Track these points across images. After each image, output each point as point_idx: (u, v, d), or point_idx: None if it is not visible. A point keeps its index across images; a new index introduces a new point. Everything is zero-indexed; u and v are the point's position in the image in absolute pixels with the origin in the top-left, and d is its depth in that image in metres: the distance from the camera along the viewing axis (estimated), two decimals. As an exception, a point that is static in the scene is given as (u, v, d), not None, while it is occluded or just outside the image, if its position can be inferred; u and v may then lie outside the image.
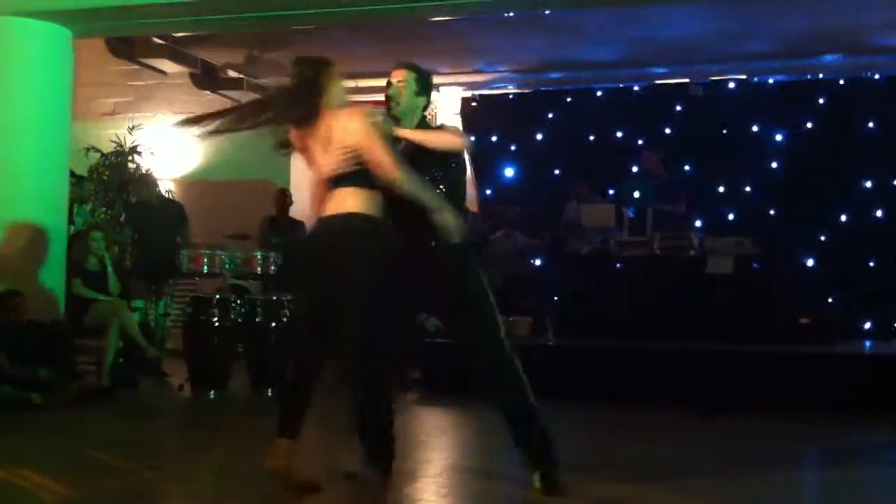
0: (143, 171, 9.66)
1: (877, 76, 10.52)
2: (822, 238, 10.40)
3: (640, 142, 10.96)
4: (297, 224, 9.71)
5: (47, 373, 6.81)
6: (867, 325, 9.90)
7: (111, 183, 10.21)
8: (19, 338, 6.85)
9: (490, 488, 4.50)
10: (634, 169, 10.41)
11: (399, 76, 4.43)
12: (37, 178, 7.57)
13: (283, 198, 9.65)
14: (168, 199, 9.02)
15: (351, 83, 8.86)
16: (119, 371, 7.67)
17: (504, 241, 10.54)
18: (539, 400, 4.26)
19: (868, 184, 10.48)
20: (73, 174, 8.61)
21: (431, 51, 9.85)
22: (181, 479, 4.72)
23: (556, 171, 11.32)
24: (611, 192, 10.38)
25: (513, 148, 11.52)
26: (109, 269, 8.02)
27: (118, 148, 10.66)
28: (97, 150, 10.54)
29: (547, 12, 8.44)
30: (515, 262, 10.26)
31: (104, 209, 9.90)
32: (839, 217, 10.47)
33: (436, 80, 10.56)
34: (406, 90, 4.41)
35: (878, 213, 10.38)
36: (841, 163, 10.38)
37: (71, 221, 8.34)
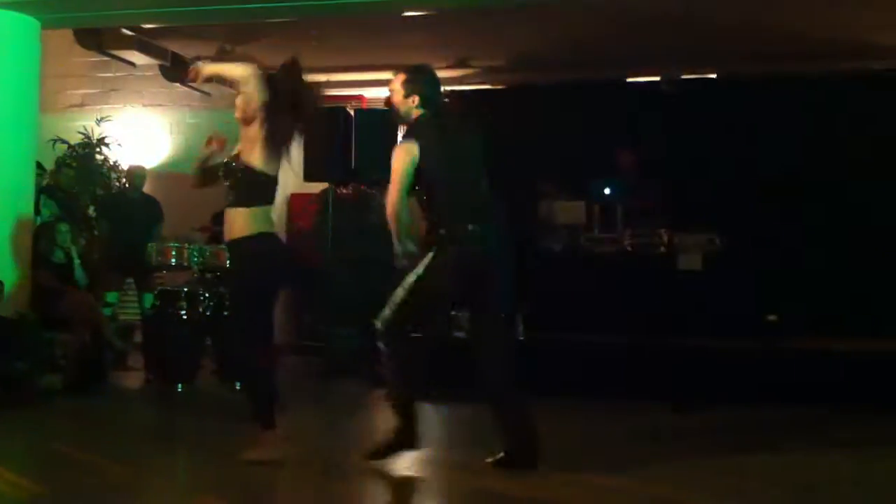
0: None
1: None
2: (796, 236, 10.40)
3: (611, 139, 10.95)
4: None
5: (21, 367, 6.69)
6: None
7: (80, 175, 10.10)
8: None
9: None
10: (606, 166, 10.40)
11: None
12: (4, 170, 7.48)
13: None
14: (147, 195, 8.98)
15: (323, 77, 8.79)
16: (86, 365, 7.57)
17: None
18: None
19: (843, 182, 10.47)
20: (39, 166, 8.53)
21: (408, 46, 9.82)
22: (152, 474, 4.67)
23: (530, 169, 11.28)
24: (583, 190, 10.36)
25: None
26: (76, 261, 7.93)
27: (86, 139, 10.54)
28: (64, 142, 10.42)
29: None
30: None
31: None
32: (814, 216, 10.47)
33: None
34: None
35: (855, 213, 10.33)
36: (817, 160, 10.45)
37: (37, 212, 8.25)
